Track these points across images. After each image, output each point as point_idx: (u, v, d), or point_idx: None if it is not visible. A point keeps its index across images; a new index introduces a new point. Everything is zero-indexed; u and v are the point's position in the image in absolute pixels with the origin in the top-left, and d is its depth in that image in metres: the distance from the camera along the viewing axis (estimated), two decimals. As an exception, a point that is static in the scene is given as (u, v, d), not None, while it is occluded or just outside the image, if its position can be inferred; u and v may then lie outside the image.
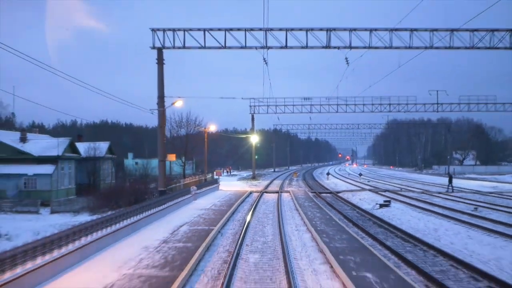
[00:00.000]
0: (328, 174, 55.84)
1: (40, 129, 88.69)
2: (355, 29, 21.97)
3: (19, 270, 7.70)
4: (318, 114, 52.57)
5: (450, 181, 33.38)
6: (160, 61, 21.95)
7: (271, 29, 22.03)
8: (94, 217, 16.63)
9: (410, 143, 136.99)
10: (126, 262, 9.92)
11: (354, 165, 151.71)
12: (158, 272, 9.06)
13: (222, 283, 8.65)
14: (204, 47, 22.02)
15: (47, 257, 8.66)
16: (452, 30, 21.90)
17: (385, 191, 33.30)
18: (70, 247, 9.68)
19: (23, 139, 34.22)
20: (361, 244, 12.23)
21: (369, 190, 34.08)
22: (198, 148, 44.40)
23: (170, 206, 19.09)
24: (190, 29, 22.22)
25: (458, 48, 22.15)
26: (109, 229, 11.98)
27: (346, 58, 22.42)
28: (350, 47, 21.94)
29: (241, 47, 22.00)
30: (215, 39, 22.02)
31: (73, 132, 74.07)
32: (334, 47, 22.01)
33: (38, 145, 33.87)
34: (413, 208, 22.14)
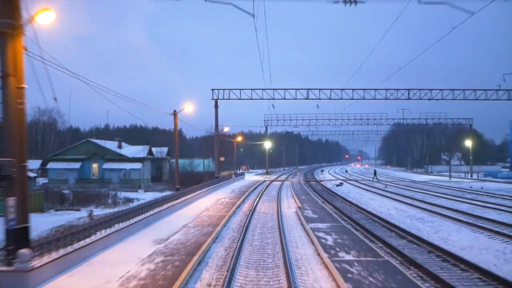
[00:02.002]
0: (322, 171, 74.04)
1: (77, 132, 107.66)
2: (322, 89, 40.34)
3: (182, 198, 26.32)
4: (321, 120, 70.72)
5: (375, 174, 51.81)
6: (216, 106, 40.71)
7: (276, 89, 40.60)
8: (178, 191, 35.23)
9: (408, 145, 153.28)
10: (221, 195, 28.60)
11: (358, 165, 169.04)
12: (234, 196, 27.68)
13: (255, 201, 26.97)
14: (240, 99, 40.69)
15: (182, 198, 27.18)
16: (375, 89, 40.05)
17: (351, 180, 51.48)
18: (203, 190, 28.37)
19: (120, 146, 53.48)
20: (309, 194, 30.58)
21: (342, 179, 52.32)
22: (224, 150, 62.78)
23: (224, 183, 37.82)
24: (232, 89, 40.90)
25: (379, 99, 40.28)
26: (205, 189, 30.65)
27: (317, 105, 40.97)
28: (319, 99, 40.34)
29: (260, 99, 40.61)
30: (245, 94, 40.65)
31: (107, 134, 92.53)
32: (311, 99, 40.42)
33: (129, 150, 53.05)
34: (353, 187, 40.35)
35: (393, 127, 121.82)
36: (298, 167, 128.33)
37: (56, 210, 27.86)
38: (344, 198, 28.56)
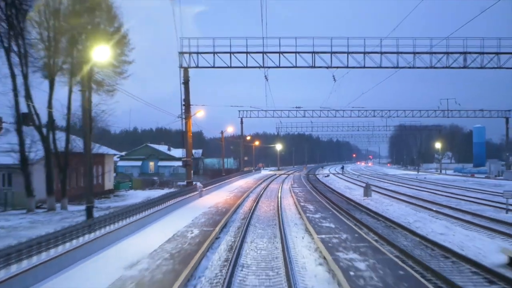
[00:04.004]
0: (322, 167, 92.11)
1: (108, 133, 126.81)
2: (314, 109, 58.55)
3: (217, 183, 45.10)
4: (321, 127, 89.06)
5: (343, 168, 69.79)
6: (242, 122, 59.42)
7: (283, 110, 59.04)
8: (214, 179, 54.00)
9: (408, 145, 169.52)
10: (247, 180, 47.38)
11: (363, 163, 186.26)
12: (256, 181, 46.46)
13: (268, 183, 45.50)
14: (258, 117, 59.22)
15: (227, 180, 45.87)
16: (351, 110, 58.02)
17: (339, 173, 69.72)
18: (236, 177, 47.17)
19: (169, 149, 72.64)
20: (302, 180, 49.11)
21: (332, 173, 70.64)
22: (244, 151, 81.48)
23: (247, 174, 56.69)
24: (253, 110, 59.43)
25: (354, 117, 58.16)
26: (237, 175, 49.45)
27: (311, 121, 59.12)
28: (312, 116, 58.61)
29: (271, 117, 59.08)
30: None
31: (137, 136, 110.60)
32: (306, 116, 58.69)
33: (176, 151, 72.11)
34: (336, 177, 58.59)
35: (396, 129, 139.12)
36: (307, 165, 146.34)
37: (149, 189, 46.82)
38: (322, 182, 46.97)
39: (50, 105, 21.62)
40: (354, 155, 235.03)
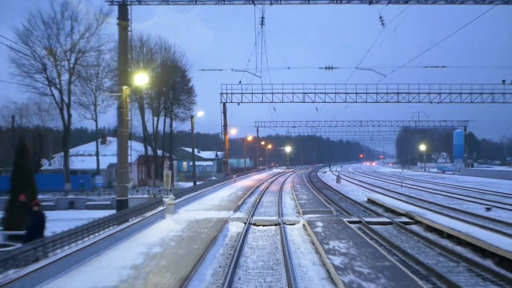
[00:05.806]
0: (324, 166, 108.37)
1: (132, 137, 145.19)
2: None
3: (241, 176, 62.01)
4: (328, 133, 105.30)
5: (329, 166, 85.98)
6: (257, 131, 76.43)
7: (290, 121, 75.81)
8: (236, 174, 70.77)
9: (410, 146, 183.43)
10: (262, 174, 64.28)
11: (368, 163, 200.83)
12: (269, 175, 63.35)
13: (277, 176, 62.24)
14: (270, 127, 76.18)
15: (249, 174, 62.79)
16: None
17: (336, 171, 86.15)
18: (253, 172, 64.13)
19: (198, 151, 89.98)
20: (302, 176, 65.76)
21: (330, 171, 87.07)
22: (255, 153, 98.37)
23: (261, 171, 73.63)
24: (266, 121, 76.28)
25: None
26: (254, 172, 66.44)
27: (315, 133, 75.70)
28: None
29: (281, 126, 75.86)
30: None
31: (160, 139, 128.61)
32: (309, 126, 75.27)
33: (205, 153, 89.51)
34: (331, 173, 75.00)
35: (401, 130, 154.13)
36: (315, 165, 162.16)
37: (191, 181, 63.92)
38: (317, 177, 63.49)
39: (156, 131, 38.96)
40: (361, 156, 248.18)
